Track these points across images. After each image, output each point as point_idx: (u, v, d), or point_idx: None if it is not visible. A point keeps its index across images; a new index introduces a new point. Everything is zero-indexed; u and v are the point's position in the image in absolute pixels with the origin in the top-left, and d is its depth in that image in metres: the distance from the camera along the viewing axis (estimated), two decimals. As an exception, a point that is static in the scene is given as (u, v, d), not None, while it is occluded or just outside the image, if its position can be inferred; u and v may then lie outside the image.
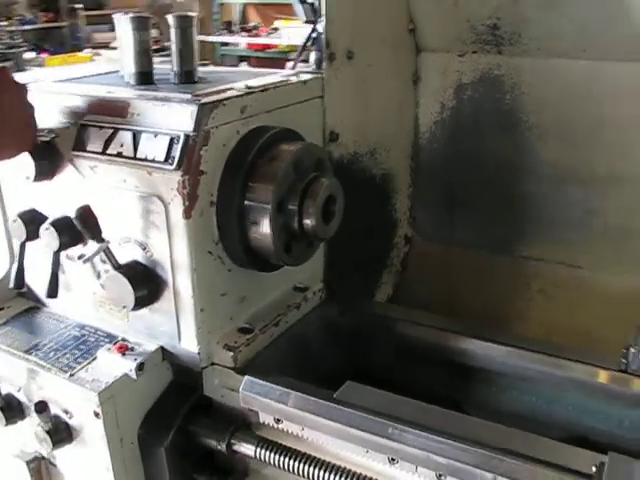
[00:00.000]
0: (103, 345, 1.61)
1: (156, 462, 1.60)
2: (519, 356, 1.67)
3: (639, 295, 2.02)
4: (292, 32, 8.13)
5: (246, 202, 1.50)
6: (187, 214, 1.43)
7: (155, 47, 1.72)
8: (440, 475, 1.34)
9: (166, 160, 1.41)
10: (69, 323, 1.73)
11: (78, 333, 1.68)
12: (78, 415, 1.54)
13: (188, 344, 1.56)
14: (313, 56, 1.81)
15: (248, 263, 1.58)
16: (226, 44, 10.22)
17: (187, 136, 1.41)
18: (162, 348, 1.59)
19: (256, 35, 9.89)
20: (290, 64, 1.95)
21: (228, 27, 10.34)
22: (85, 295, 1.69)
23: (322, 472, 1.46)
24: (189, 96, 1.47)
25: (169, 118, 1.44)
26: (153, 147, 1.44)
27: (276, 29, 9.57)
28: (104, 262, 1.55)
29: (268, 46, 9.51)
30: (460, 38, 2.09)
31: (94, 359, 1.58)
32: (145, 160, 1.44)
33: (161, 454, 1.58)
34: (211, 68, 1.82)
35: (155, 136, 1.44)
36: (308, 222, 1.52)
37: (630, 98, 1.97)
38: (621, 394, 1.56)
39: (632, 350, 1.54)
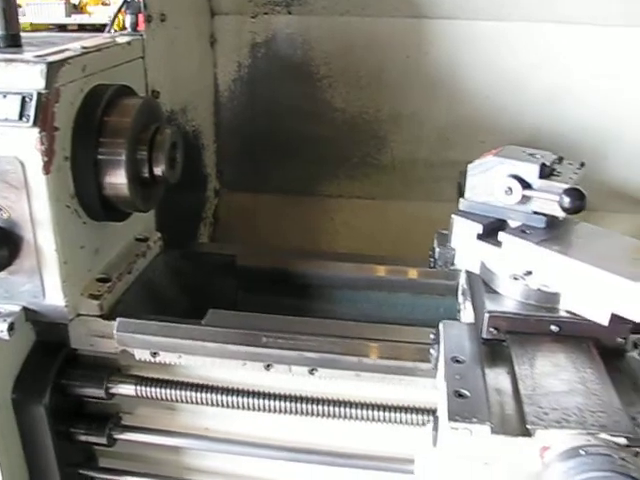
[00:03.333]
0: (-42, 316, 1.60)
1: (35, 422, 1.63)
2: (348, 269, 1.94)
3: (423, 218, 2.38)
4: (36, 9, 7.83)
5: (99, 155, 1.58)
6: (47, 169, 1.48)
7: None
8: (312, 370, 1.56)
9: (20, 118, 1.45)
10: None
11: None
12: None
13: (54, 299, 1.60)
14: (129, 20, 1.91)
15: (102, 214, 1.66)
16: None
17: (40, 94, 1.45)
18: (24, 308, 1.62)
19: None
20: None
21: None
22: None
23: (204, 394, 1.62)
24: (31, 56, 1.52)
25: (17, 78, 1.47)
26: (3, 107, 1.46)
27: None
28: (-49, 231, 1.55)
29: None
30: (252, 1, 2.29)
31: (-44, 328, 1.57)
32: (-4, 121, 1.46)
33: (41, 413, 1.61)
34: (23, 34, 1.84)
35: (4, 96, 1.47)
36: (158, 169, 1.66)
37: (400, 48, 2.32)
38: (435, 286, 1.88)
39: (437, 249, 1.85)
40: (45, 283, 1.59)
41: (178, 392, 1.63)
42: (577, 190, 1.31)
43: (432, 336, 1.45)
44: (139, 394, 1.65)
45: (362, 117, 2.41)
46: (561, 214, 1.36)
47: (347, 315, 1.92)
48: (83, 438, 1.74)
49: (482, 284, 1.45)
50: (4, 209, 1.53)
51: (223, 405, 1.62)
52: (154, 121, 1.69)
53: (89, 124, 1.57)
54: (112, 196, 1.63)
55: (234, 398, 1.61)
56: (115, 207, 1.67)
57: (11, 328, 1.55)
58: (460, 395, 1.18)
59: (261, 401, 1.60)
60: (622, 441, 1.04)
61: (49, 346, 1.68)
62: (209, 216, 2.55)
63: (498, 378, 1.24)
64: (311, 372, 1.56)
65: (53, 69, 1.48)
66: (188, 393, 1.63)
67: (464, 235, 1.49)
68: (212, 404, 1.62)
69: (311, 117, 2.43)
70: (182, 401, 1.64)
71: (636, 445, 1.04)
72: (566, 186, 1.34)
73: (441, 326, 1.43)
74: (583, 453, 1.00)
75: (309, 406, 1.58)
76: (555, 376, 1.20)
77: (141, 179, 1.66)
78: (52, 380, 1.63)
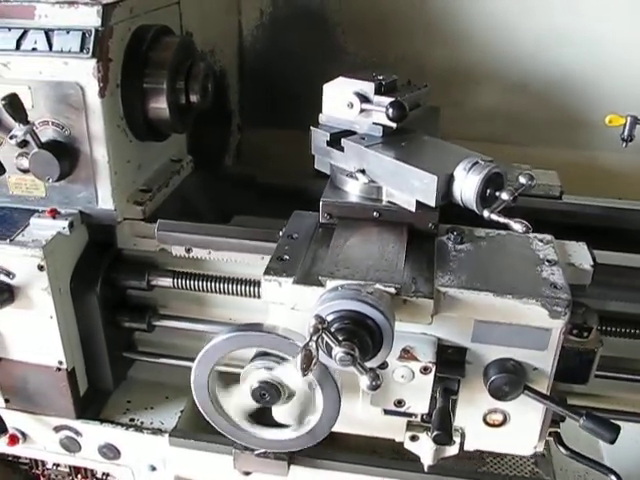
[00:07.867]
0: (27, 218, 1.89)
1: (88, 308, 1.95)
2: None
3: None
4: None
5: (145, 84, 1.91)
6: (102, 94, 1.80)
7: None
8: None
9: (81, 50, 1.76)
10: (-17, 209, 1.98)
11: (-1, 213, 1.97)
12: (21, 273, 1.83)
13: (105, 204, 1.92)
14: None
15: (145, 134, 1.98)
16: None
17: (97, 30, 1.77)
18: (80, 212, 1.94)
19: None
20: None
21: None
22: (-1, 181, 1.97)
23: (228, 285, 1.95)
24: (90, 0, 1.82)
25: (79, 17, 1.77)
26: (67, 41, 1.77)
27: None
28: (21, 146, 1.87)
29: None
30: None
31: (26, 227, 1.87)
32: (61, 52, 1.78)
33: (93, 300, 1.94)
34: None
35: (68, 32, 1.78)
36: (193, 96, 1.98)
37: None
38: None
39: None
40: (98, 190, 1.91)
41: (207, 283, 1.96)
42: (398, 102, 1.60)
43: (285, 222, 1.75)
44: (175, 285, 1.99)
45: (371, 60, 2.71)
46: (392, 124, 1.63)
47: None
48: (127, 325, 2.09)
49: (330, 182, 1.75)
50: (66, 127, 1.85)
51: (243, 294, 1.94)
52: (189, 57, 2.01)
53: (136, 57, 1.89)
54: (154, 119, 1.95)
55: (252, 288, 1.93)
56: (156, 129, 1.99)
57: (71, 225, 1.88)
58: (281, 259, 1.51)
59: (276, 291, 1.92)
60: (392, 290, 1.32)
61: (99, 246, 2.01)
62: (233, 149, 2.87)
63: (319, 250, 1.55)
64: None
65: (107, 10, 1.78)
66: (215, 284, 1.96)
67: (319, 143, 1.78)
68: (234, 294, 1.95)
69: (325, 60, 2.72)
70: (210, 291, 1.96)
71: (405, 295, 1.33)
72: (391, 99, 1.62)
73: (292, 215, 1.75)
74: (340, 289, 1.32)
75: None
76: (361, 248, 1.49)
77: (179, 105, 1.98)
78: (102, 273, 1.97)
